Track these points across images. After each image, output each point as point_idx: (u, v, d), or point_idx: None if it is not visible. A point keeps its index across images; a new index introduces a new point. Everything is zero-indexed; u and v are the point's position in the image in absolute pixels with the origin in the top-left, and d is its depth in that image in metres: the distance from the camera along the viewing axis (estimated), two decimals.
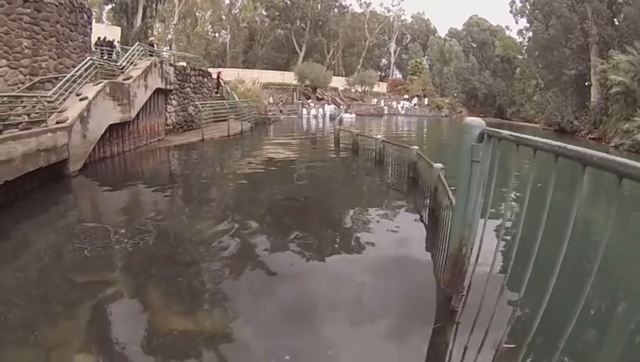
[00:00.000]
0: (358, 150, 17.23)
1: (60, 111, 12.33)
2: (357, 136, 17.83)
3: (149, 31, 42.21)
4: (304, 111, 51.70)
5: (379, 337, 4.27)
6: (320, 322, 4.60)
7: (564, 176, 2.51)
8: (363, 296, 5.12)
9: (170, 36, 66.80)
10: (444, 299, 4.60)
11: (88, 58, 15.07)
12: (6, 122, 10.70)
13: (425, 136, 33.30)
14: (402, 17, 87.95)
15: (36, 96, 11.91)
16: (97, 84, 14.19)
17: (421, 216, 8.60)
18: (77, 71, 13.85)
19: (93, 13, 26.04)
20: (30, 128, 10.41)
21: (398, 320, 4.59)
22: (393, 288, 5.37)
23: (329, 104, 56.63)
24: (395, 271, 5.91)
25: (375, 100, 66.85)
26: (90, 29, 17.85)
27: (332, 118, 46.47)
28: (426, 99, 71.66)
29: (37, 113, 11.76)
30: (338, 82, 64.97)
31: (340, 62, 79.25)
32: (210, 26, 76.88)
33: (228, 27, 73.47)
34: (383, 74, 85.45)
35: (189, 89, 24.53)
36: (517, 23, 70.89)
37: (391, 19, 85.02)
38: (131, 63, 18.46)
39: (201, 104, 24.23)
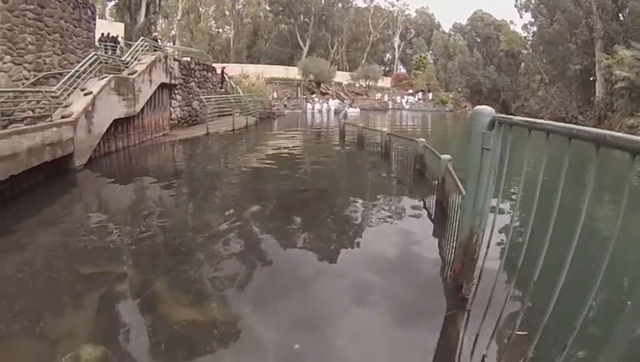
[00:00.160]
0: (363, 143, 17.14)
1: (65, 106, 12.33)
2: (362, 129, 17.75)
3: (153, 27, 42.06)
4: (308, 105, 51.72)
5: (389, 325, 4.25)
6: (329, 309, 4.59)
7: (571, 172, 2.48)
8: (371, 285, 5.10)
9: (173, 32, 66.74)
10: (454, 288, 4.57)
11: (93, 53, 15.05)
12: (11, 117, 10.70)
13: (429, 130, 33.17)
14: (406, 12, 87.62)
15: (41, 92, 11.91)
16: (102, 79, 14.18)
17: (428, 208, 8.56)
18: (81, 66, 13.85)
19: (97, 9, 25.99)
20: (35, 123, 10.42)
21: (408, 309, 4.58)
22: (402, 277, 5.35)
23: (333, 99, 56.61)
24: (403, 261, 5.87)
25: (379, 95, 66.70)
26: (94, 24, 17.84)
27: (336, 112, 46.48)
28: (431, 94, 71.33)
29: (41, 108, 11.77)
30: (342, 77, 64.90)
31: (344, 57, 79.01)
32: (213, 22, 76.76)
33: (231, 22, 73.30)
34: (387, 69, 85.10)
35: (193, 84, 24.51)
36: (521, 17, 70.62)
37: (395, 14, 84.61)
38: (135, 59, 18.44)
39: (205, 98, 24.21)
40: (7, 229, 7.10)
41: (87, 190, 10.99)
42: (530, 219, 2.88)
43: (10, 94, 11.15)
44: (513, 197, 8.75)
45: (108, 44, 22.14)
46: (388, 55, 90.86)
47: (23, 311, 4.54)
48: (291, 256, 6.18)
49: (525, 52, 65.26)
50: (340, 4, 74.05)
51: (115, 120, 14.72)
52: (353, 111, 46.96)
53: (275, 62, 67.10)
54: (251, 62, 62.27)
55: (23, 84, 12.70)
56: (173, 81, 21.38)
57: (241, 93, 30.83)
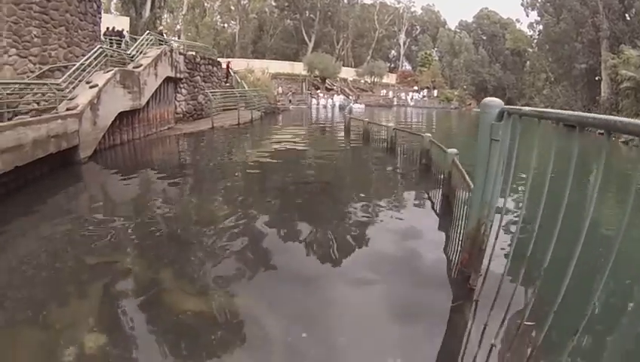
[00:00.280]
0: (369, 138, 17.10)
1: (71, 99, 12.34)
2: (368, 124, 17.71)
3: (158, 21, 42.07)
4: (313, 101, 51.72)
5: (396, 316, 4.23)
6: (335, 299, 4.59)
7: (578, 170, 2.49)
8: (377, 276, 5.09)
9: (178, 27, 66.80)
10: (461, 280, 4.55)
11: (98, 46, 15.07)
12: (16, 110, 10.70)
13: (434, 127, 33.09)
14: (412, 9, 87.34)
15: (46, 84, 11.93)
16: (107, 72, 14.19)
17: (434, 202, 8.58)
18: (87, 59, 13.87)
19: (102, 3, 25.97)
20: (40, 116, 10.43)
21: (414, 299, 4.56)
22: (407, 270, 5.33)
23: (338, 94, 56.51)
24: (408, 253, 5.84)
25: (384, 91, 66.54)
26: (100, 18, 17.83)
27: (341, 108, 46.53)
28: (436, 91, 71.15)
29: (46, 101, 11.78)
30: (347, 73, 64.78)
31: (350, 53, 78.90)
32: (218, 17, 76.66)
33: (237, 17, 73.22)
34: (392, 65, 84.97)
35: (198, 78, 24.53)
36: (527, 16, 70.02)
37: (401, 11, 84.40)
38: (141, 52, 18.45)
39: (211, 92, 24.22)
40: (11, 219, 7.14)
41: (92, 182, 11.02)
42: (539, 208, 2.86)
43: (16, 86, 11.16)
44: (520, 189, 8.72)
45: (113, 38, 22.12)
46: (393, 52, 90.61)
47: (27, 300, 4.55)
48: (297, 247, 6.15)
49: (531, 50, 64.98)
50: (345, 0, 73.96)
51: (120, 113, 14.73)
52: (358, 107, 46.85)
53: (280, 57, 67.05)
54: (256, 58, 62.17)
55: (28, 77, 12.72)
56: (178, 75, 21.39)
57: (246, 88, 30.83)
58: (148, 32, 21.41)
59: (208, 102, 23.90)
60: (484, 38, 79.87)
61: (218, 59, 30.31)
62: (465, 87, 72.78)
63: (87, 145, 12.18)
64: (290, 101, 46.59)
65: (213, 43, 62.28)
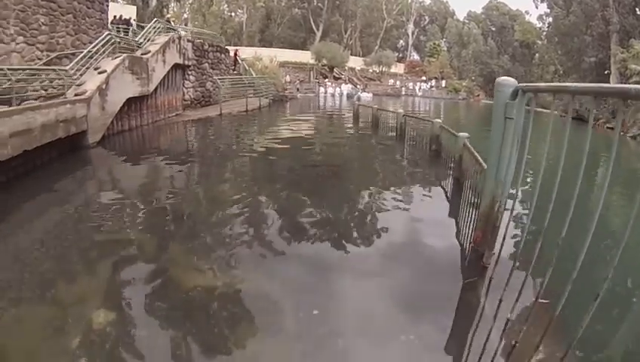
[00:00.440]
0: (377, 125, 17.03)
1: (79, 85, 12.34)
2: (377, 111, 17.63)
3: (165, 10, 42.06)
4: (321, 89, 51.77)
5: (409, 294, 4.25)
6: (347, 279, 4.60)
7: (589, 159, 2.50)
8: (390, 258, 5.11)
9: (185, 15, 66.52)
10: (475, 258, 4.55)
11: (106, 33, 15.05)
12: (23, 96, 10.69)
13: (442, 118, 32.93)
14: None
15: (55, 70, 11.94)
16: (116, 58, 14.18)
17: (444, 186, 8.63)
18: (95, 46, 13.84)
19: None
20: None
21: (427, 277, 4.61)
22: (420, 249, 5.37)
23: (346, 83, 56.40)
24: (420, 236, 5.88)
25: (392, 81, 66.24)
26: (107, 6, 17.81)
27: (349, 96, 46.66)
28: (444, 82, 70.70)
29: (54, 88, 11.78)
30: (355, 62, 64.48)
31: (358, 43, 78.48)
32: (226, 5, 76.34)
33: (244, 6, 72.82)
34: (400, 55, 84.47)
35: (206, 65, 24.48)
36: (537, 7, 69.46)
37: (409, 1, 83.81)
38: (149, 40, 18.42)
39: (219, 79, 24.21)
40: (21, 202, 7.21)
41: (101, 166, 11.05)
42: (554, 190, 2.84)
43: (24, 73, 11.15)
44: (530, 171, 8.68)
45: (120, 26, 22.08)
46: (401, 41, 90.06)
47: (38, 279, 4.57)
48: (308, 229, 6.13)
49: (540, 43, 64.56)
50: None
51: (128, 99, 14.74)
52: (366, 96, 46.72)
53: (287, 46, 66.74)
54: (264, 46, 61.94)
55: (35, 64, 12.69)
56: (186, 62, 21.35)
57: (254, 75, 30.79)
58: (155, 19, 21.34)
59: (216, 89, 23.88)
60: (493, 29, 79.22)
61: (226, 47, 30.22)
62: (473, 78, 72.31)
63: (96, 130, 12.20)
64: (297, 89, 46.56)
65: (220, 32, 61.95)
